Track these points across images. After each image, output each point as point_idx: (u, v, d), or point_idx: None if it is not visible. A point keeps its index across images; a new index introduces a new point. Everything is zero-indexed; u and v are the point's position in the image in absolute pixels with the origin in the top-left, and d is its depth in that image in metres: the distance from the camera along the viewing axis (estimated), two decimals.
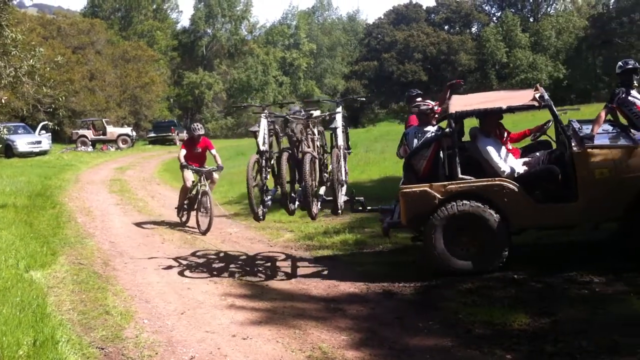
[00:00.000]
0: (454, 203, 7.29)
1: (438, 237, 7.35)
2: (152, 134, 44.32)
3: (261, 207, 8.08)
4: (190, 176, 11.63)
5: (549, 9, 74.48)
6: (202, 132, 11.68)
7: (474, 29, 75.18)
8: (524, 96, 7.79)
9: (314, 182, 7.88)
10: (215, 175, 11.73)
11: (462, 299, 6.70)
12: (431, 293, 7.04)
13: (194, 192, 11.56)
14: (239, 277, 8.11)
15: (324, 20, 78.64)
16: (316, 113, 8.42)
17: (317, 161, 8.16)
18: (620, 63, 8.04)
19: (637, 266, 6.92)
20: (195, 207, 11.43)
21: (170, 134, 43.09)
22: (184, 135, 46.01)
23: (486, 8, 76.96)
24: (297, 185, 8.34)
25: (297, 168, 8.11)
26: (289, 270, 8.50)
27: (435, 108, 8.10)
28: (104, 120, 40.13)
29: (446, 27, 74.76)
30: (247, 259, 9.24)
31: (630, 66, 7.81)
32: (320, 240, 9.89)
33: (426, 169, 7.73)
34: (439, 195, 7.35)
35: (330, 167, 7.96)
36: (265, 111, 8.32)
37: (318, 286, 7.61)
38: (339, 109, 8.47)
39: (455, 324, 6.02)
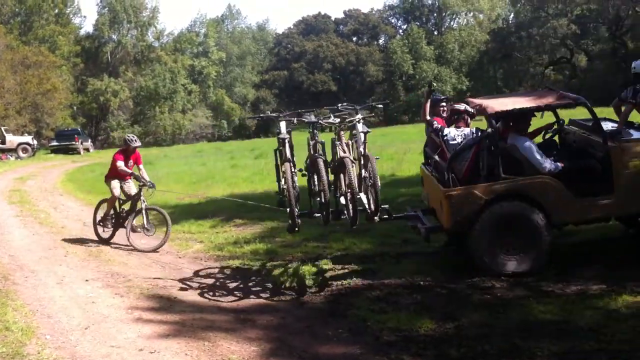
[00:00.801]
0: (501, 203, 7.23)
1: (485, 239, 7.23)
2: (55, 143, 42.63)
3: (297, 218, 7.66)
4: (124, 188, 10.90)
5: (452, 23, 77.14)
6: (139, 144, 10.90)
7: (381, 41, 76.94)
8: (549, 96, 7.93)
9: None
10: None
11: (371, 306, 6.79)
12: (341, 301, 7.11)
13: (125, 207, 10.85)
14: (146, 290, 7.92)
15: (233, 28, 78.27)
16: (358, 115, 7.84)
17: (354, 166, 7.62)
18: (634, 64, 8.48)
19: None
20: (131, 224, 10.52)
21: (73, 142, 41.60)
22: (89, 144, 44.70)
23: (393, 21, 78.92)
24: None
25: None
26: (198, 281, 8.38)
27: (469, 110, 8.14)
28: (2, 128, 38.40)
29: (354, 39, 76.16)
30: (155, 271, 9.04)
31: (638, 69, 8.28)
32: (231, 251, 9.81)
33: (467, 171, 7.54)
34: (484, 196, 7.22)
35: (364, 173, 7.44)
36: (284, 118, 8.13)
37: (228, 297, 7.54)
38: (359, 116, 7.83)
39: (364, 331, 6.10)
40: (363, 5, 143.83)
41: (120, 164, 10.62)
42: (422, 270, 7.92)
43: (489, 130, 7.47)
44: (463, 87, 65.88)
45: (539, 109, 7.92)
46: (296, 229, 7.79)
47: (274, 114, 8.54)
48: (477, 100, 8.11)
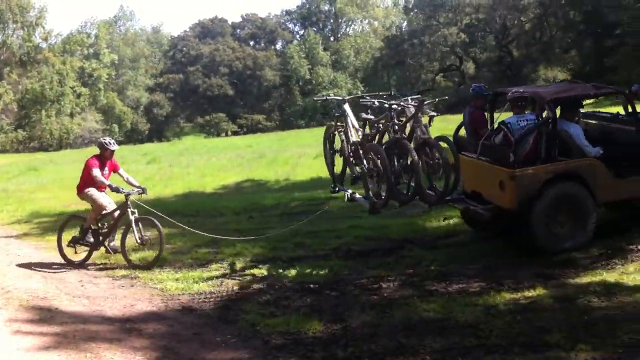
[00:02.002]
0: (557, 184, 7.73)
1: (542, 217, 7.70)
2: None
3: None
4: (108, 200, 9.51)
5: (348, 30, 78.44)
6: (116, 147, 9.62)
7: (278, 46, 77.10)
8: (588, 87, 8.81)
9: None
10: None
11: (261, 310, 6.78)
12: (231, 307, 7.05)
13: (108, 220, 9.49)
14: (26, 301, 7.54)
15: (126, 30, 76.14)
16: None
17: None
18: None
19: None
20: (119, 238, 9.27)
21: None
22: None
23: (290, 26, 79.30)
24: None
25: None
26: (82, 291, 8.06)
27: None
28: None
29: (252, 43, 75.93)
30: (36, 281, 8.61)
31: None
32: (118, 259, 9.49)
33: (529, 154, 7.93)
34: (545, 177, 7.69)
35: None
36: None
37: (113, 306, 7.30)
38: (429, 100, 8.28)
39: (253, 336, 6.09)
40: (261, 10, 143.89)
41: (96, 172, 9.22)
42: (313, 273, 8.00)
43: (549, 115, 7.95)
44: (358, 92, 66.96)
45: (589, 96, 8.95)
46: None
47: (339, 97, 8.86)
48: (531, 89, 8.96)
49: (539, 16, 68.55)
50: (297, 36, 77.20)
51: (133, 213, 9.14)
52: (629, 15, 42.28)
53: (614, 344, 5.16)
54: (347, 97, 8.72)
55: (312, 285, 7.46)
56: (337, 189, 9.27)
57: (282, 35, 76.31)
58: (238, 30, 76.84)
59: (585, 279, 6.85)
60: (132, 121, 64.62)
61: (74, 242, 9.49)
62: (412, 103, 7.99)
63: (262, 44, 76.05)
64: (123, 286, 8.18)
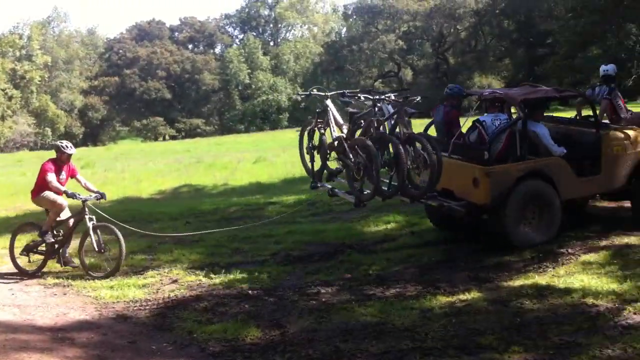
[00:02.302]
0: (526, 181, 8.12)
1: (513, 213, 8.06)
2: None
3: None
4: (65, 202, 8.99)
5: (287, 35, 78.58)
6: (73, 151, 9.10)
7: (217, 50, 76.55)
8: (552, 90, 9.53)
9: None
10: None
11: (198, 317, 6.69)
12: (167, 314, 6.92)
13: (64, 228, 9.04)
14: None
15: (60, 32, 74.21)
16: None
17: None
18: (603, 67, 10.45)
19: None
20: (81, 251, 8.74)
21: None
22: None
23: (229, 30, 78.92)
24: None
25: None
26: (12, 300, 7.78)
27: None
28: None
29: (190, 46, 75.12)
30: None
31: (611, 72, 10.21)
32: (50, 266, 9.19)
33: (502, 152, 8.31)
34: (516, 174, 8.08)
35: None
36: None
37: (45, 315, 7.07)
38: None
39: (190, 343, 6.00)
40: (199, 14, 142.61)
41: (51, 177, 8.73)
42: (251, 279, 7.94)
43: (519, 115, 8.50)
44: (298, 97, 67.13)
45: (555, 98, 9.70)
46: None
47: (322, 93, 8.86)
48: (502, 90, 9.35)
49: (474, 25, 70.19)
50: (237, 40, 76.95)
51: (91, 220, 8.74)
52: (560, 25, 43.66)
53: (545, 345, 5.30)
54: (330, 93, 8.83)
55: (250, 292, 7.40)
56: (317, 185, 9.22)
57: (221, 39, 75.84)
58: (176, 34, 75.95)
59: (518, 282, 7.02)
60: (65, 125, 62.95)
61: (27, 251, 9.09)
62: (395, 100, 8.10)
63: (201, 48, 75.38)
64: (55, 294, 7.93)
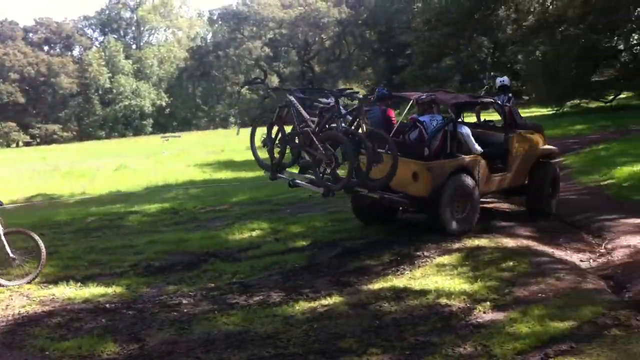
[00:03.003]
0: (457, 175, 9.01)
1: (447, 204, 8.91)
2: None
3: None
4: None
5: (151, 38, 76.72)
6: None
7: (76, 52, 73.35)
8: (469, 95, 11.43)
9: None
10: None
11: (50, 334, 6.31)
12: (17, 331, 6.49)
13: None
14: None
15: None
16: None
17: None
18: (498, 80, 12.19)
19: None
20: None
21: None
22: None
23: (88, 32, 75.93)
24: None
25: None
26: None
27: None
28: None
29: (46, 48, 71.46)
30: None
31: (507, 83, 11.99)
32: None
33: (437, 149, 9.10)
34: (450, 169, 8.99)
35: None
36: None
37: None
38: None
39: None
40: (56, 14, 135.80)
41: None
42: (109, 291, 7.63)
43: (451, 117, 9.33)
44: (162, 102, 65.70)
45: (476, 103, 10.91)
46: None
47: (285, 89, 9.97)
48: (436, 94, 10.02)
49: (338, 34, 72.00)
50: (97, 43, 74.16)
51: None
52: (417, 36, 45.75)
53: (401, 346, 5.48)
54: (293, 89, 9.59)
55: (107, 305, 7.09)
56: (276, 176, 9.71)
57: (80, 41, 72.79)
58: (30, 34, 72.02)
59: (377, 285, 7.21)
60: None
61: None
62: (358, 97, 9.13)
63: (58, 50, 71.96)
64: None
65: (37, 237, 8.28)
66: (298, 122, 9.13)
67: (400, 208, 10.12)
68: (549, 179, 10.52)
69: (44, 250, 8.20)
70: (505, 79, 12.09)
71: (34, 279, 8.13)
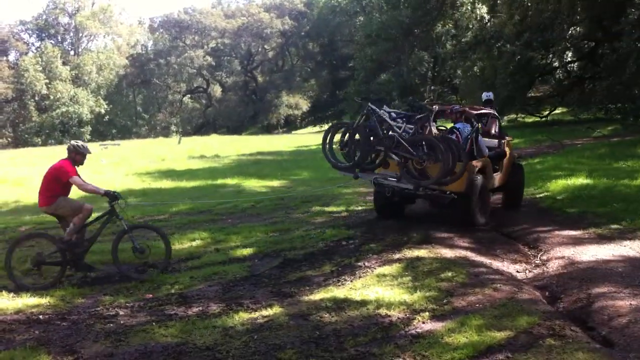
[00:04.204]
0: (480, 174, 10.55)
1: (476, 199, 10.43)
2: None
3: None
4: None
5: (90, 45, 75.20)
6: (91, 151, 8.96)
7: (11, 57, 71.24)
8: (480, 107, 12.58)
9: None
10: None
11: None
12: None
13: (98, 225, 8.85)
14: None
15: None
16: None
17: None
18: (485, 95, 13.50)
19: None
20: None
21: None
22: None
23: (25, 37, 73.88)
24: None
25: None
26: None
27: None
28: None
29: None
30: None
31: (491, 97, 13.40)
32: None
33: (468, 151, 10.44)
34: (477, 169, 10.48)
35: None
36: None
37: None
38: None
39: None
40: None
41: (78, 180, 8.45)
42: (43, 303, 7.40)
43: (476, 126, 11.11)
44: (101, 110, 64.36)
45: (487, 114, 12.25)
46: None
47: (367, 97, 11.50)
48: (461, 108, 11.58)
49: (281, 45, 72.14)
50: (33, 48, 72.19)
51: (125, 221, 8.73)
52: (358, 51, 46.25)
53: (341, 357, 5.47)
54: (373, 98, 11.35)
55: (40, 316, 6.88)
56: (357, 175, 10.83)
57: (16, 46, 70.76)
58: None
59: (318, 296, 7.20)
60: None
61: (38, 263, 8.39)
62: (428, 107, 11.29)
63: None
64: None
65: (159, 229, 9.45)
66: (382, 128, 10.42)
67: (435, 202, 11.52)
68: (522, 179, 12.46)
69: (168, 241, 9.04)
70: (490, 94, 13.50)
71: (166, 265, 8.77)
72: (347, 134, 10.86)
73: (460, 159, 9.84)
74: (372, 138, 10.53)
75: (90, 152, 8.93)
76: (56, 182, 8.55)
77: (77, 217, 8.53)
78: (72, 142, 8.99)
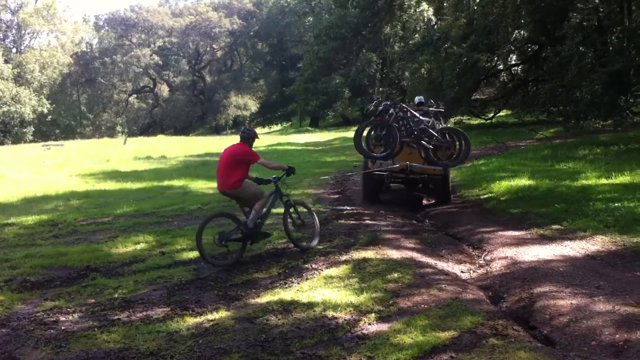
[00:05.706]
0: None
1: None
2: None
3: None
4: None
5: (32, 42, 73.27)
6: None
7: None
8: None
9: None
10: None
11: None
12: None
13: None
14: None
15: None
16: None
17: None
18: (417, 99, 13.70)
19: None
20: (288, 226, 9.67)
21: None
22: None
23: None
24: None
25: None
26: None
27: None
28: None
29: None
30: None
31: (422, 100, 13.61)
32: None
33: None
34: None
35: None
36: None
37: None
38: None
39: None
40: None
41: (264, 160, 9.17)
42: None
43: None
44: (44, 109, 62.71)
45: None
46: None
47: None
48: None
49: (229, 45, 71.67)
50: None
51: (286, 197, 9.55)
52: (307, 50, 46.30)
53: (287, 359, 5.46)
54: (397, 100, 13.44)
55: None
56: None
57: None
58: None
59: (265, 299, 7.17)
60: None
61: (225, 240, 8.81)
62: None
63: None
64: None
65: (309, 205, 10.55)
66: (411, 122, 11.94)
67: (421, 185, 14.26)
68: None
69: (315, 215, 10.05)
70: (422, 97, 14.05)
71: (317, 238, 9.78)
72: (377, 130, 12.03)
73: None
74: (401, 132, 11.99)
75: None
76: (245, 166, 9.13)
77: (258, 203, 9.11)
78: (246, 128, 9.88)
